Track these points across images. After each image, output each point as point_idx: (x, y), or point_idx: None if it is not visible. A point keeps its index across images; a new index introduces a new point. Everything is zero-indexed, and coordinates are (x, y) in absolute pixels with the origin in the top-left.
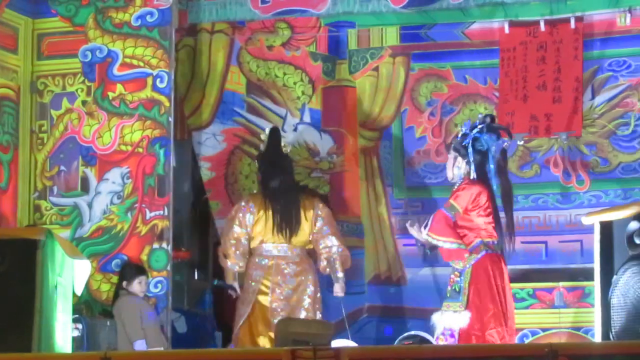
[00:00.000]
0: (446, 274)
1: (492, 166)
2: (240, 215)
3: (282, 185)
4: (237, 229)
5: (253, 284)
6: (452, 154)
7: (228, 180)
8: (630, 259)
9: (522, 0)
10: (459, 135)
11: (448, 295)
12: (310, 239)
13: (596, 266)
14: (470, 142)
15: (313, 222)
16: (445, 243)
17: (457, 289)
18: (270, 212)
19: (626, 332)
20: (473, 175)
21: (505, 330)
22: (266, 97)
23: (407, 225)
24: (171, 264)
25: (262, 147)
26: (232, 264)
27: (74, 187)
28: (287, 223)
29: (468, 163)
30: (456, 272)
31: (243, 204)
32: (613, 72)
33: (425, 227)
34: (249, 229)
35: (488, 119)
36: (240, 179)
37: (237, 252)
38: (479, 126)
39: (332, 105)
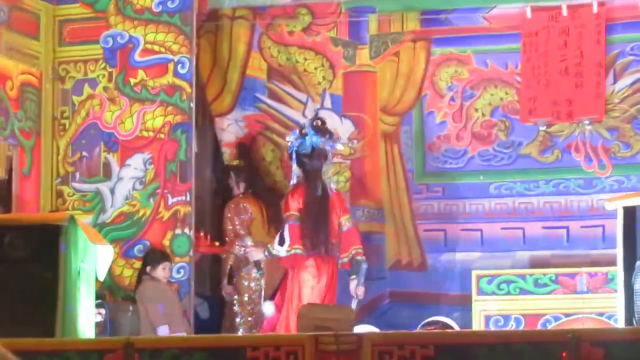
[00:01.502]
0: (468, 260)
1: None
2: None
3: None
4: None
5: None
6: None
7: (251, 166)
8: None
9: None
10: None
11: None
12: None
13: (619, 251)
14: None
15: None
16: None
17: None
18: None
19: None
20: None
21: None
22: (287, 83)
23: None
24: (193, 249)
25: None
26: None
27: (96, 173)
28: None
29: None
30: None
31: None
32: (635, 57)
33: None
34: None
35: (316, 122)
36: (263, 165)
37: None
38: (301, 131)
39: (352, 91)
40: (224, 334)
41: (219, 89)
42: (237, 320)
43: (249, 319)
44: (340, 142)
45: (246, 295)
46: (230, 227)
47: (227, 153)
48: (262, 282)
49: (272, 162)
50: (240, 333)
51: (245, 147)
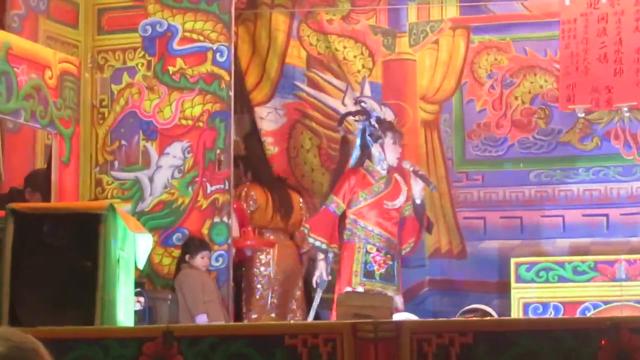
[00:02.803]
0: (507, 247)
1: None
2: None
3: None
4: None
5: None
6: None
7: (290, 154)
8: None
9: None
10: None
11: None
12: None
13: None
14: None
15: None
16: None
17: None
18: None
19: None
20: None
21: None
22: (326, 71)
23: None
24: (232, 237)
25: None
26: None
27: (135, 162)
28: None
29: None
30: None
31: None
32: None
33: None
34: None
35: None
36: (301, 153)
37: None
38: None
39: (392, 79)
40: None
41: (258, 77)
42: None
43: (261, 302)
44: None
45: (257, 283)
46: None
47: (268, 142)
48: (273, 265)
49: (309, 150)
50: (253, 317)
51: (253, 136)
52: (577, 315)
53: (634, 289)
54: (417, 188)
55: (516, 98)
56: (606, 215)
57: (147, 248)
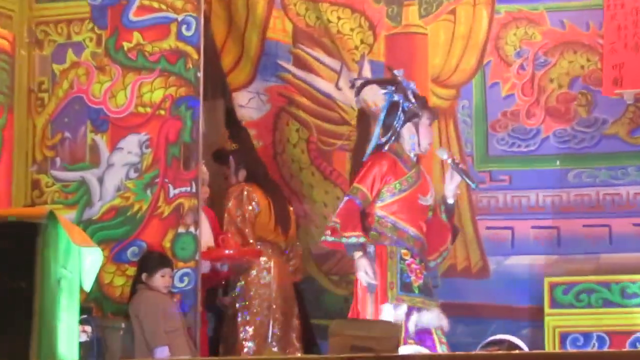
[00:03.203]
0: (540, 264)
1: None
2: None
3: None
4: None
5: None
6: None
7: (276, 149)
8: None
9: None
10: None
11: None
12: None
13: None
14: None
15: None
16: None
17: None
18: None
19: None
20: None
21: None
22: (317, 48)
23: None
24: (200, 252)
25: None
26: None
27: (81, 159)
28: None
29: None
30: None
31: None
32: None
33: None
34: None
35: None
36: (288, 148)
37: None
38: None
39: (397, 57)
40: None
41: (236, 55)
42: (242, 334)
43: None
44: None
45: (255, 304)
46: (229, 220)
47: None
48: (274, 287)
49: (297, 145)
50: (246, 350)
51: (243, 129)
52: (627, 347)
53: None
54: (452, 185)
55: (551, 81)
56: None
57: (95, 265)
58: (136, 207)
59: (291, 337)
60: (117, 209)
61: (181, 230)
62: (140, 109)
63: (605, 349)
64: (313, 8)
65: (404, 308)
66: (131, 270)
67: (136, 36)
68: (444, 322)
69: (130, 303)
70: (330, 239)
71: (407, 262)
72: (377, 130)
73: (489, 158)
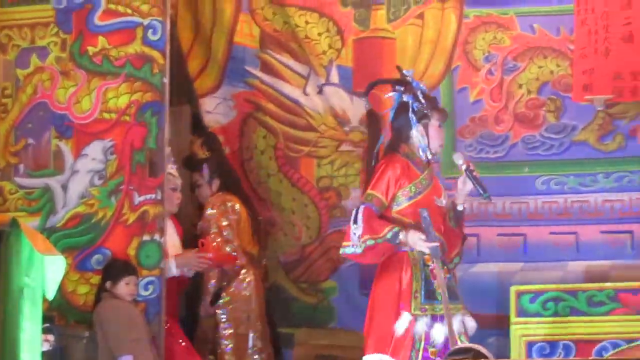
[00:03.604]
0: (507, 272)
1: None
2: None
3: None
4: None
5: None
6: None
7: (244, 156)
8: None
9: None
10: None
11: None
12: None
13: None
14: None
15: None
16: None
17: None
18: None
19: None
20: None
21: None
22: (284, 52)
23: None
24: (165, 260)
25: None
26: None
27: (45, 165)
28: None
29: None
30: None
31: None
32: None
33: None
34: None
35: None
36: (255, 155)
37: None
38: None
39: (365, 62)
40: None
41: (203, 61)
42: (223, 346)
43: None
44: None
45: (235, 316)
46: (216, 231)
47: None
48: (253, 298)
49: (264, 151)
50: None
51: (215, 137)
52: (593, 356)
53: None
54: (464, 192)
55: (520, 86)
56: (630, 232)
57: (58, 273)
58: (100, 215)
59: (270, 348)
60: (81, 216)
61: (146, 238)
62: (105, 115)
63: (572, 358)
64: (280, 12)
65: (424, 321)
66: (95, 279)
67: (101, 41)
68: (471, 324)
69: (94, 311)
70: (349, 250)
71: (430, 267)
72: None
73: (457, 165)
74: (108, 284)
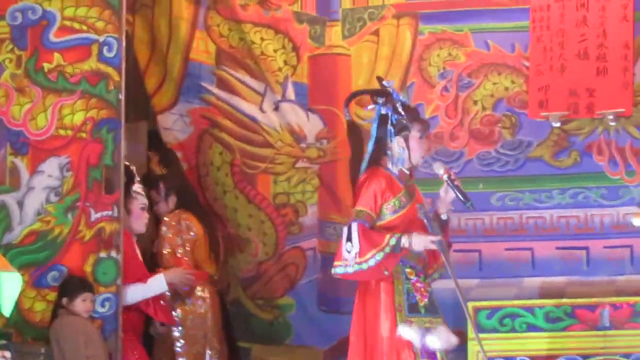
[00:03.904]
0: (465, 287)
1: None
2: None
3: None
4: None
5: None
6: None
7: (200, 172)
8: None
9: None
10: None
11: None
12: None
13: None
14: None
15: None
16: None
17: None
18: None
19: None
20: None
21: None
22: (240, 69)
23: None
24: (122, 276)
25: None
26: None
27: (1, 182)
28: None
29: None
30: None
31: None
32: None
33: None
34: None
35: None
36: (211, 171)
37: None
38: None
39: (321, 78)
40: None
41: (159, 78)
42: None
43: None
44: None
45: (191, 334)
46: (170, 250)
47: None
48: (209, 316)
49: (220, 168)
50: None
51: (172, 153)
52: None
53: (619, 339)
54: (446, 201)
55: (475, 103)
56: (586, 248)
57: (14, 290)
58: (57, 231)
59: None
60: (38, 233)
61: (102, 254)
62: (61, 132)
63: None
64: (236, 29)
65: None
66: (52, 295)
67: (57, 57)
68: (452, 339)
69: (50, 328)
70: (340, 270)
71: (412, 281)
72: (370, 144)
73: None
74: (64, 301)
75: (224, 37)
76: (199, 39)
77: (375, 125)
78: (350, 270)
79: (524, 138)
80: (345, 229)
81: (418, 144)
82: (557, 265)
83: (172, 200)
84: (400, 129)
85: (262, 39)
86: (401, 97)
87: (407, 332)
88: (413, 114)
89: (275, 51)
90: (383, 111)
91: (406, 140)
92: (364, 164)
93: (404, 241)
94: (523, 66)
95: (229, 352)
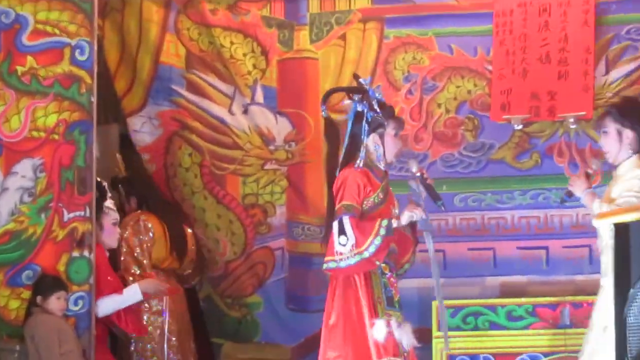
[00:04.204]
0: (427, 287)
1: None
2: None
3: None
4: None
5: None
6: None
7: (168, 173)
8: None
9: None
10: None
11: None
12: None
13: (609, 277)
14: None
15: None
16: None
17: None
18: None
19: None
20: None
21: None
22: (210, 72)
23: None
24: (94, 275)
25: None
26: None
27: None
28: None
29: None
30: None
31: None
32: (632, 41)
33: None
34: None
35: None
36: (180, 172)
37: None
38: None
39: (289, 82)
40: None
41: (129, 80)
42: None
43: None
44: None
45: (148, 332)
46: (127, 250)
47: (145, 159)
48: (166, 314)
49: (189, 169)
50: None
51: (134, 155)
52: None
53: (580, 337)
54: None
55: (439, 105)
56: (546, 248)
57: None
58: (30, 231)
59: None
60: (12, 233)
61: (75, 254)
62: (35, 134)
63: None
64: (206, 33)
65: (394, 323)
66: (26, 294)
67: (30, 60)
68: (414, 338)
69: (25, 325)
70: (332, 265)
71: (387, 275)
72: (346, 141)
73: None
74: (39, 299)
75: (193, 41)
76: (169, 43)
77: (350, 122)
78: (344, 263)
79: (486, 140)
80: (335, 224)
81: (393, 141)
82: (518, 265)
83: (133, 201)
84: (376, 127)
85: (232, 43)
86: (377, 95)
87: (382, 328)
88: (388, 111)
89: (244, 55)
90: (359, 108)
91: (381, 137)
92: (342, 160)
93: (395, 223)
94: (485, 70)
95: (202, 347)
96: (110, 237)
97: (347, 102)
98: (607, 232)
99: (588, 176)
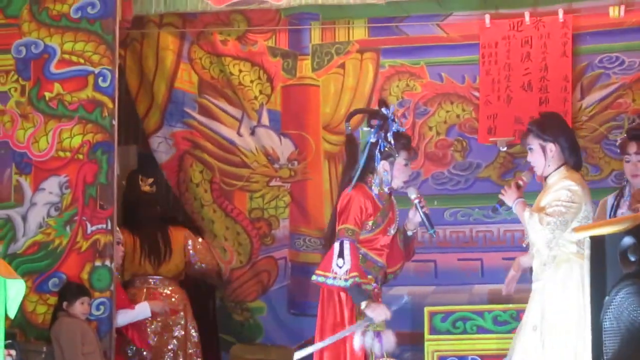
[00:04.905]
0: (420, 294)
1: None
2: None
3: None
4: None
5: None
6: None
7: (180, 188)
8: (624, 277)
9: None
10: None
11: None
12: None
13: (586, 286)
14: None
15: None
16: None
17: None
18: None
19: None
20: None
21: None
22: (220, 97)
23: None
24: (115, 283)
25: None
26: None
27: (7, 198)
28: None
29: None
30: None
31: None
32: (604, 70)
33: None
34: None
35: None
36: (191, 187)
37: None
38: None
39: (292, 106)
40: None
41: (147, 104)
42: None
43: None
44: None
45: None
46: None
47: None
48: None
49: (199, 184)
50: None
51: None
52: None
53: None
54: (414, 222)
55: (430, 128)
56: None
57: (19, 295)
58: (57, 242)
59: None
60: (39, 244)
61: (97, 263)
62: (61, 153)
63: None
64: (217, 62)
65: (370, 334)
66: (52, 300)
67: (57, 87)
68: (391, 339)
69: (51, 329)
70: (329, 281)
71: (373, 286)
72: (360, 163)
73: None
74: (64, 304)
75: (205, 69)
76: (183, 70)
77: (368, 146)
78: (333, 282)
79: (473, 160)
80: (336, 245)
81: (401, 170)
82: (504, 274)
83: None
84: (387, 156)
85: (240, 71)
86: (395, 124)
87: (358, 338)
88: (403, 141)
89: (251, 82)
90: (373, 139)
91: (391, 164)
92: (354, 179)
93: (365, 304)
94: (473, 96)
95: (209, 341)
96: (116, 255)
97: (365, 129)
98: (540, 241)
99: (519, 187)
